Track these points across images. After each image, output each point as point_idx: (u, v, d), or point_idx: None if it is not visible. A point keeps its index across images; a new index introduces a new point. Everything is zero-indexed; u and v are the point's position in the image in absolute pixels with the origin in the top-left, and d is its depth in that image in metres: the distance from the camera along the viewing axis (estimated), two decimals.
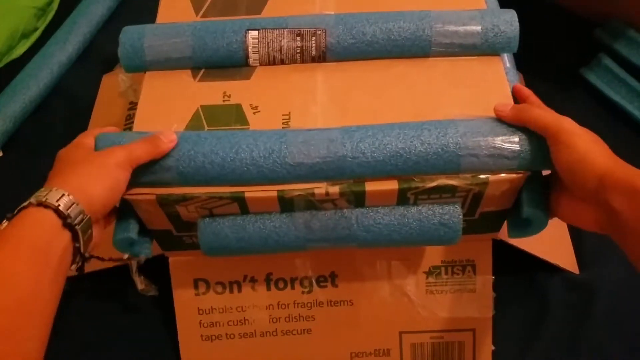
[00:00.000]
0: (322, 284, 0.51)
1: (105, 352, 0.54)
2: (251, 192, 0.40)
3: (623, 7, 0.65)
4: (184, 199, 0.40)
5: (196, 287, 0.51)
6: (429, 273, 0.51)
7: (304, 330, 0.52)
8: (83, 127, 0.64)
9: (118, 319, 0.55)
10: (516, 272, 0.55)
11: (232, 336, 0.52)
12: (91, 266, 0.53)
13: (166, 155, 0.39)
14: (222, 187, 0.40)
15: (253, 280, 0.51)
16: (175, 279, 0.51)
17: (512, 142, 0.39)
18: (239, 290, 0.51)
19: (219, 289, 0.51)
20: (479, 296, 0.51)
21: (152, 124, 0.43)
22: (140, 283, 0.44)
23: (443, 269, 0.51)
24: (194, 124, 0.43)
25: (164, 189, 0.40)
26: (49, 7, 0.76)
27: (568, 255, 0.56)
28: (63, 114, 0.69)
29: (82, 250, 0.34)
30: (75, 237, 0.34)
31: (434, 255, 0.51)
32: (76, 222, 0.33)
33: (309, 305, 0.52)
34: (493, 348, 0.52)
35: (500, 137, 0.39)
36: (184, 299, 0.51)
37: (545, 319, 0.54)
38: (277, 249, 0.43)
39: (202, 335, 0.52)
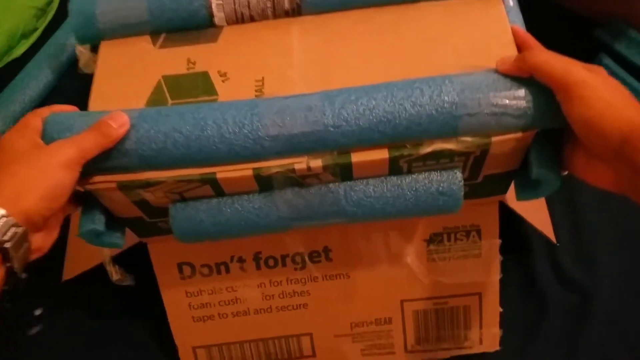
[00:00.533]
0: (315, 259, 0.47)
1: (102, 347, 0.53)
2: (223, 173, 0.36)
3: (623, 7, 0.63)
4: (148, 184, 0.36)
5: (181, 271, 0.48)
6: (429, 241, 0.47)
7: (299, 305, 0.49)
8: None
9: (111, 310, 0.54)
10: (516, 272, 0.54)
11: (224, 316, 0.50)
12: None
13: (123, 137, 0.35)
14: (190, 169, 0.36)
15: (241, 260, 0.47)
16: (158, 265, 0.47)
17: (517, 98, 0.34)
18: (227, 271, 0.48)
19: (205, 271, 0.48)
20: (484, 260, 0.48)
21: (110, 102, 0.38)
22: (115, 273, 0.41)
23: (445, 235, 0.47)
24: (156, 98, 0.38)
25: (125, 175, 0.36)
26: (48, 7, 0.74)
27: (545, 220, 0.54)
28: None
29: (15, 267, 0.30)
30: (5, 257, 0.29)
31: (435, 222, 0.47)
32: (5, 238, 0.29)
33: (302, 280, 0.48)
34: (501, 310, 0.49)
35: (504, 93, 0.34)
36: (169, 284, 0.48)
37: (545, 319, 0.52)
38: (259, 231, 0.39)
39: (193, 317, 0.50)
